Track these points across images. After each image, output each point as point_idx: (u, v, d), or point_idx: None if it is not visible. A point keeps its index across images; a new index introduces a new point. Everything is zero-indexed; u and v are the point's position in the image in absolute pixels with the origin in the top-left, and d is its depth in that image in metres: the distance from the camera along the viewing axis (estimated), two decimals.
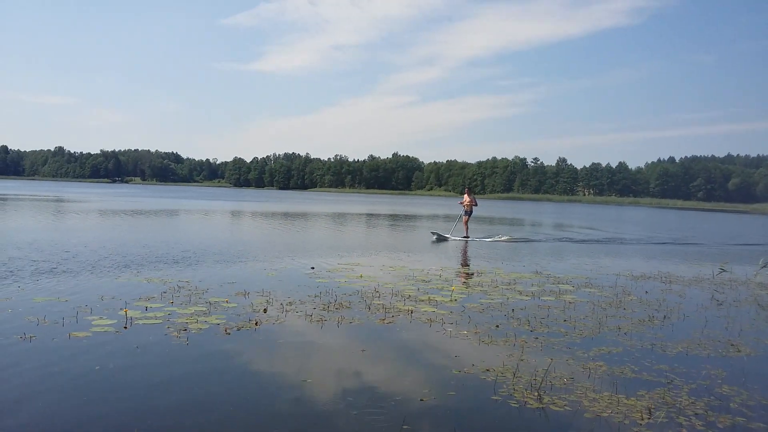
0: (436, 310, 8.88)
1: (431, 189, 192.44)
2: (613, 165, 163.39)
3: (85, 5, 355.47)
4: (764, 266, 13.38)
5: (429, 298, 9.83)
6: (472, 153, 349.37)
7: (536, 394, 5.40)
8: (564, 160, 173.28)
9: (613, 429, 4.70)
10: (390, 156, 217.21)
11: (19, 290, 9.25)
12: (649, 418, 4.91)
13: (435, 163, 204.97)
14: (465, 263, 15.36)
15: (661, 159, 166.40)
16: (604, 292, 11.15)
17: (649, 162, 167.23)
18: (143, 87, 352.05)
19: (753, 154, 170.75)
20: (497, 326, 7.97)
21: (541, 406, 5.15)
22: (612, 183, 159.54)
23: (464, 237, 22.23)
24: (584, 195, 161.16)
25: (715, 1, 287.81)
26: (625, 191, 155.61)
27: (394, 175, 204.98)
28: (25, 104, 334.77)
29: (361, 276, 11.88)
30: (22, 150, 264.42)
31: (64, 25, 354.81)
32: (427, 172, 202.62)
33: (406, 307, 8.94)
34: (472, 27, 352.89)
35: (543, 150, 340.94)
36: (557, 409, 5.09)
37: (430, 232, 23.66)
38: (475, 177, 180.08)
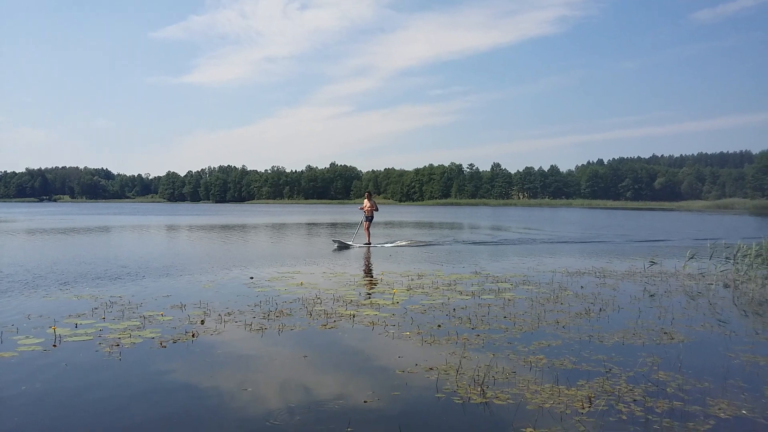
0: (378, 313, 8.84)
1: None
2: (546, 169, 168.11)
3: (7, 20, 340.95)
4: (691, 258, 13.93)
5: (371, 301, 9.78)
6: (409, 161, 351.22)
7: (479, 389, 5.42)
8: (498, 165, 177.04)
9: (556, 419, 4.75)
10: (328, 166, 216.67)
11: None
12: (589, 407, 5.00)
13: (373, 171, 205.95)
14: (396, 268, 15.41)
15: (591, 162, 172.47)
16: (541, 288, 11.36)
17: (580, 165, 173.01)
18: (70, 103, 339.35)
19: (676, 154, 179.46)
20: (439, 326, 7.99)
21: (484, 400, 5.17)
22: (545, 186, 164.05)
23: (366, 243, 21.46)
24: (519, 198, 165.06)
25: (635, 11, 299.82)
26: (557, 194, 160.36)
27: (333, 185, 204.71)
28: None
29: (301, 284, 11.73)
30: None
31: None
32: (365, 180, 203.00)
33: (348, 312, 8.86)
34: (404, 38, 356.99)
35: (478, 156, 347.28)
36: (500, 402, 5.12)
37: (331, 240, 22.71)
38: (413, 184, 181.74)
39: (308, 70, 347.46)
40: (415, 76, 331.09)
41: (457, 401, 5.16)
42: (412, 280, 12.35)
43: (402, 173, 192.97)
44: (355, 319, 8.43)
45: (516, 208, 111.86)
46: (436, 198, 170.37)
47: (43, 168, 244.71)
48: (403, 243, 22.75)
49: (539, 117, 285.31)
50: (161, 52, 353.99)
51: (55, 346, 6.91)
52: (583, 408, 4.97)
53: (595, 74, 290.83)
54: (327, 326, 7.97)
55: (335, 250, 19.95)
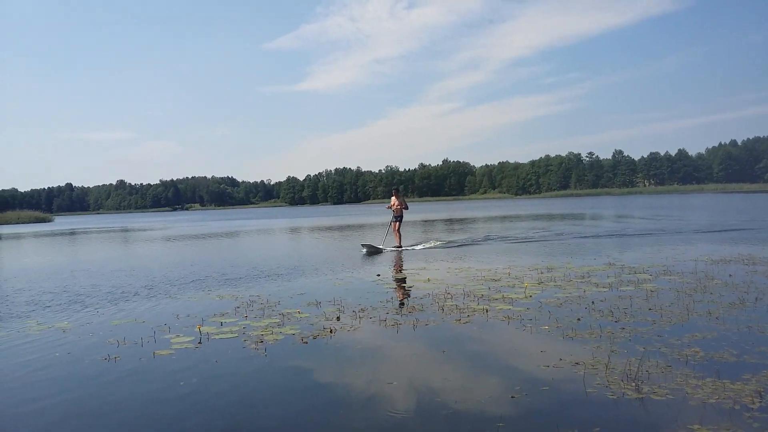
0: (511, 307, 8.63)
1: (485, 192, 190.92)
2: (672, 153, 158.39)
3: (133, 42, 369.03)
4: None
5: (502, 296, 9.57)
6: (523, 153, 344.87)
7: (633, 384, 5.12)
8: (620, 152, 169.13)
9: (724, 415, 4.39)
10: (440, 163, 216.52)
11: (98, 315, 9.46)
12: (760, 402, 4.58)
13: (487, 166, 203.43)
14: (532, 261, 15.00)
15: (723, 143, 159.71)
16: (685, 278, 10.65)
17: (710, 147, 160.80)
18: (194, 116, 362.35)
19: None
20: (579, 319, 7.66)
21: (640, 396, 4.87)
22: (673, 171, 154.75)
23: (396, 246, 18.96)
24: (645, 186, 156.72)
25: None
26: (687, 179, 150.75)
27: (446, 182, 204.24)
28: (86, 142, 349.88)
29: (428, 280, 11.71)
30: (86, 186, 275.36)
31: (116, 63, 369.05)
32: (479, 175, 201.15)
33: (481, 307, 8.72)
34: (514, 27, 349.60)
35: (598, 144, 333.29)
36: (659, 398, 4.80)
37: (360, 245, 19.26)
38: (529, 176, 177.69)
39: (417, 68, 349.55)
40: (527, 65, 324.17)
41: (610, 396, 4.90)
42: (542, 273, 11.98)
43: (517, 166, 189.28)
44: (488, 313, 8.27)
45: (642, 197, 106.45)
46: (554, 190, 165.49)
47: (174, 179, 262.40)
48: (430, 244, 20.22)
49: (662, 99, 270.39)
50: (276, 62, 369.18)
51: (200, 343, 7.27)
52: (754, 403, 4.57)
53: (719, 50, 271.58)
54: (461, 321, 7.87)
55: (365, 255, 17.46)
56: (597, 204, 70.68)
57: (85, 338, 7.80)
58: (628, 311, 8.02)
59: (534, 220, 37.72)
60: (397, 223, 19.60)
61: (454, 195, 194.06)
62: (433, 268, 13.56)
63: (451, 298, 9.51)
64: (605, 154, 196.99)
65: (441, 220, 43.69)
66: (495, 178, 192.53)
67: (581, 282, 10.65)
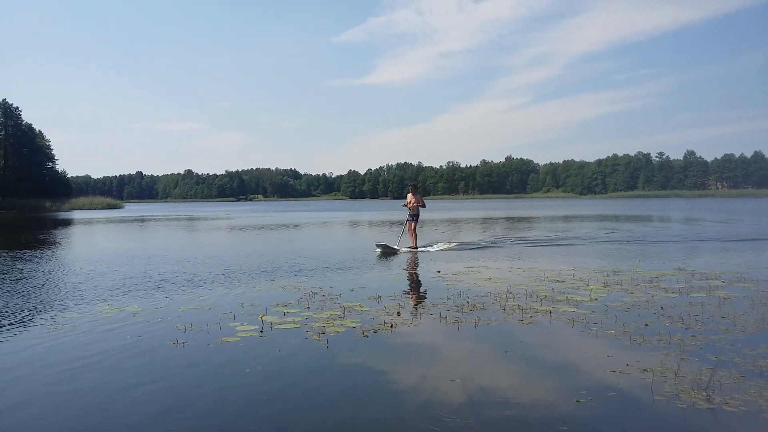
0: (576, 309, 8.45)
1: (548, 191, 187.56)
2: (748, 155, 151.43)
3: (205, 35, 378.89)
4: None
5: (566, 297, 9.39)
6: (590, 152, 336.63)
7: (704, 394, 4.94)
8: (692, 153, 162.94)
9: None
10: (503, 160, 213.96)
11: (166, 300, 9.78)
12: None
13: (551, 164, 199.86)
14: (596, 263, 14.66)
15: None
16: (760, 286, 10.20)
17: None
18: (261, 108, 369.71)
19: None
20: (647, 325, 7.43)
21: (711, 406, 4.69)
22: (747, 174, 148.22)
23: (411, 247, 17.68)
24: (717, 189, 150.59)
25: None
26: (763, 182, 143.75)
27: (508, 179, 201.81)
28: (157, 132, 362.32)
29: (489, 278, 11.60)
30: (155, 175, 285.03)
31: (187, 56, 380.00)
32: (542, 173, 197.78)
33: (544, 308, 8.58)
34: (586, 21, 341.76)
35: (668, 144, 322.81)
36: (731, 409, 4.62)
37: (375, 245, 18.03)
38: (594, 176, 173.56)
39: (484, 63, 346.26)
40: (598, 61, 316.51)
41: (679, 405, 4.74)
42: (607, 276, 11.69)
43: (582, 165, 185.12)
44: (552, 315, 8.13)
45: (714, 200, 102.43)
46: (620, 190, 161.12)
47: (239, 170, 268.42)
48: (445, 246, 18.92)
49: (739, 98, 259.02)
50: (343, 56, 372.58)
51: (262, 332, 7.41)
52: None
53: None
54: (524, 322, 7.77)
55: (379, 256, 16.35)
56: (666, 206, 68.39)
57: (154, 323, 8.06)
58: (700, 318, 7.74)
59: (599, 220, 36.81)
60: (413, 222, 18.22)
61: (516, 193, 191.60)
62: (495, 267, 13.41)
63: (514, 298, 9.40)
64: (676, 154, 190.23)
65: (499, 218, 43.19)
66: (559, 177, 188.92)
67: (649, 287, 10.34)
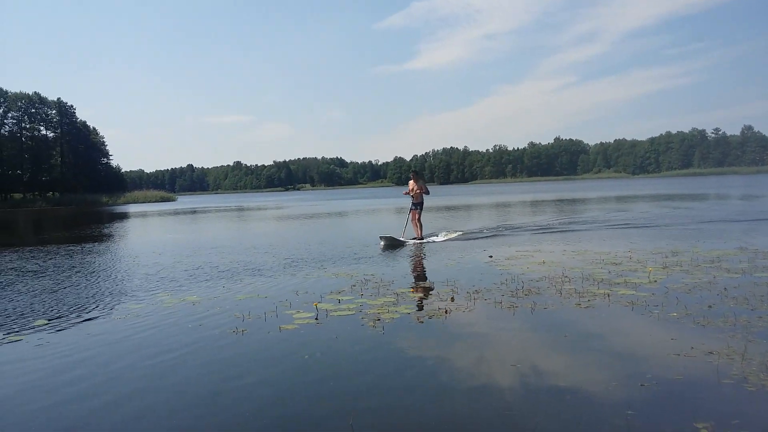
0: (635, 292, 8.26)
1: (599, 171, 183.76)
2: None
3: (251, 28, 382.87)
4: None
5: (624, 280, 9.18)
6: (642, 130, 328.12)
7: None
8: (750, 128, 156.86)
9: None
10: (551, 141, 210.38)
11: (224, 289, 9.97)
12: None
13: (601, 144, 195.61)
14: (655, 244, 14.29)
15: None
16: None
17: None
18: (306, 98, 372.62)
19: None
20: (710, 306, 7.22)
21: None
22: None
23: (416, 238, 16.37)
24: None
25: None
26: None
27: (558, 161, 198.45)
28: (207, 125, 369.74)
29: (543, 262, 11.43)
30: (206, 167, 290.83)
31: (233, 51, 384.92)
32: (593, 154, 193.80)
33: (602, 291, 8.41)
34: None
35: (724, 119, 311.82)
36: None
37: (379, 238, 16.31)
38: (647, 155, 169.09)
39: (529, 43, 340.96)
40: (648, 36, 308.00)
41: (748, 389, 4.59)
42: (666, 257, 11.38)
43: (634, 144, 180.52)
44: (610, 298, 7.97)
45: None
46: (675, 169, 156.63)
47: (287, 160, 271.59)
48: (453, 235, 17.53)
49: None
50: (385, 42, 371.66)
51: (317, 319, 7.48)
52: None
53: None
54: (581, 305, 7.63)
55: (383, 249, 14.93)
56: (723, 183, 66.16)
57: (213, 311, 8.24)
58: (766, 299, 7.46)
59: (653, 200, 35.87)
60: (417, 211, 16.91)
61: (565, 174, 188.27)
62: (548, 251, 13.23)
63: (569, 282, 9.24)
64: (733, 130, 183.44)
65: (548, 200, 42.53)
66: (610, 157, 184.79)
67: (710, 267, 10.02)
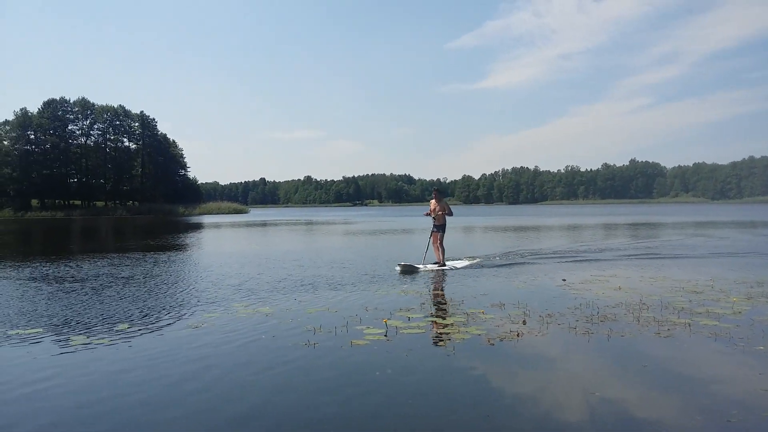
0: (718, 323, 7.90)
1: (676, 195, 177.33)
2: None
3: (323, 46, 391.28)
4: None
5: (706, 310, 8.80)
6: (722, 154, 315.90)
7: None
8: None
9: None
10: (626, 163, 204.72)
11: (297, 302, 10.13)
12: None
13: (679, 167, 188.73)
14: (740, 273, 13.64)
15: None
16: None
17: None
18: (376, 115, 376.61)
19: None
20: None
21: None
22: None
23: (437, 263, 15.09)
24: None
25: None
26: None
27: (632, 183, 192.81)
28: (279, 141, 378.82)
29: (619, 288, 11.09)
30: (277, 181, 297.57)
31: (306, 68, 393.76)
32: (670, 177, 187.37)
33: (682, 320, 8.08)
34: (717, 17, 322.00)
35: None
36: None
37: (397, 266, 14.79)
38: (728, 179, 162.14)
39: (605, 63, 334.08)
40: (730, 58, 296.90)
41: None
42: (751, 287, 10.85)
43: (714, 168, 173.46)
44: (691, 328, 7.64)
45: None
46: (758, 195, 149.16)
47: (355, 176, 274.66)
48: (467, 263, 15.84)
49: None
50: (457, 61, 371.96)
51: (386, 336, 7.48)
52: None
53: None
54: (660, 334, 7.35)
55: (401, 275, 13.73)
56: None
57: (285, 323, 8.38)
58: None
59: (735, 227, 34.28)
60: (439, 234, 15.45)
61: (640, 198, 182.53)
62: (624, 276, 12.84)
63: (647, 309, 8.93)
64: None
65: (623, 224, 41.26)
66: (688, 181, 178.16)
67: None
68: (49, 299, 10.59)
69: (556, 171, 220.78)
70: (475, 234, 33.39)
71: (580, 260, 16.37)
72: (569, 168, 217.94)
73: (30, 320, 8.71)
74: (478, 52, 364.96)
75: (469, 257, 17.23)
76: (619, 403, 5.02)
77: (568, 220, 52.00)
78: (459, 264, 15.43)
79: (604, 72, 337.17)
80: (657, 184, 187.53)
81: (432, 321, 8.31)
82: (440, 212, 15.48)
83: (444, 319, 8.44)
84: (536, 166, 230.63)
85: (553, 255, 17.78)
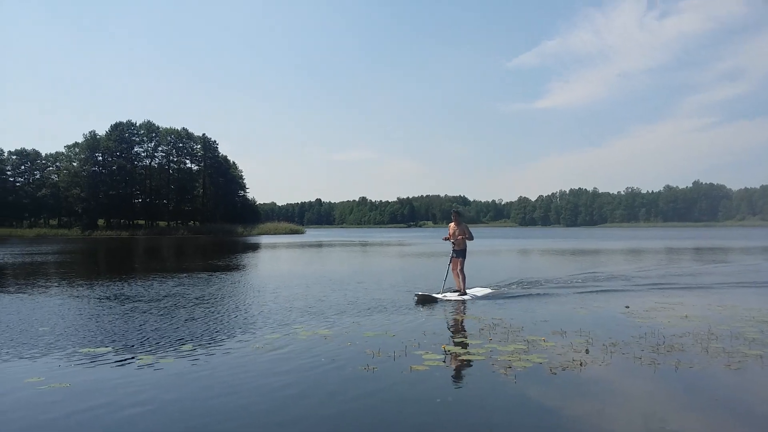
0: None
1: (743, 219, 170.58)
2: None
3: (376, 66, 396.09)
4: None
5: None
6: None
7: None
8: None
9: None
10: (690, 185, 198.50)
11: (353, 324, 10.20)
12: None
13: (746, 189, 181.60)
14: None
15: None
16: None
17: None
18: (431, 135, 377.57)
19: None
20: None
21: None
22: None
23: (457, 291, 14.02)
24: None
25: None
26: None
27: (696, 206, 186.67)
28: (335, 162, 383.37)
29: (686, 316, 10.74)
30: (333, 202, 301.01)
31: (362, 87, 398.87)
32: (736, 200, 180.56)
33: (754, 352, 7.76)
34: None
35: None
36: None
37: (414, 295, 13.71)
38: None
39: (667, 81, 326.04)
40: None
41: None
42: None
43: None
44: (763, 360, 7.33)
45: None
46: None
47: (410, 197, 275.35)
48: (485, 292, 14.63)
49: None
50: (515, 80, 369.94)
51: (445, 363, 7.45)
52: None
53: None
54: (731, 367, 7.08)
55: (418, 305, 12.66)
56: None
57: (343, 347, 8.44)
58: None
59: None
60: (460, 260, 14.35)
61: (705, 221, 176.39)
62: (690, 304, 12.42)
63: (716, 339, 8.61)
64: None
65: (687, 248, 39.92)
66: (756, 204, 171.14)
67: None
68: (122, 318, 10.99)
69: (615, 192, 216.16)
70: (531, 257, 32.92)
71: (644, 285, 15.91)
72: (629, 189, 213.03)
73: (111, 339, 9.07)
74: (536, 71, 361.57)
75: (520, 282, 16.98)
76: None
77: (630, 243, 50.67)
78: (480, 292, 14.36)
79: (666, 90, 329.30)
80: (722, 206, 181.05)
81: (491, 348, 8.23)
82: (460, 236, 14.42)
83: (504, 346, 8.34)
84: (595, 188, 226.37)
85: (612, 279, 17.33)
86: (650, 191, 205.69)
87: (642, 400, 5.96)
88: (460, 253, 14.37)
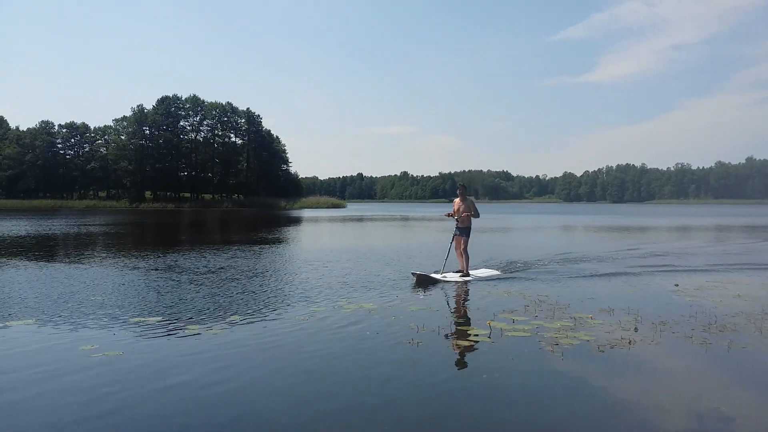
0: None
1: None
2: None
3: (418, 40, 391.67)
4: None
5: None
6: None
7: None
8: None
9: None
10: (743, 161, 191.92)
11: (398, 299, 10.25)
12: None
13: None
14: None
15: None
16: None
17: None
18: (473, 110, 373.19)
19: None
20: None
21: None
22: None
23: (459, 272, 13.17)
24: None
25: None
26: None
27: (749, 183, 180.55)
28: (376, 136, 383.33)
29: (738, 295, 10.47)
30: (374, 176, 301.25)
31: (403, 62, 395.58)
32: None
33: None
34: None
35: None
36: None
37: (411, 274, 13.06)
38: None
39: (721, 53, 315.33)
40: None
41: None
42: None
43: None
44: None
45: None
46: None
47: (452, 172, 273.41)
48: (490, 273, 13.69)
49: None
50: (559, 54, 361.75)
51: (490, 338, 7.42)
52: None
53: None
54: None
55: (415, 287, 11.77)
56: None
57: (388, 320, 8.48)
58: None
59: None
60: (462, 238, 13.31)
61: (758, 198, 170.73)
62: (743, 283, 12.10)
63: None
64: None
65: (739, 226, 38.75)
66: None
67: None
68: (180, 289, 11.29)
69: (665, 169, 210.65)
70: (575, 233, 32.46)
71: (693, 263, 15.54)
72: (679, 165, 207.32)
73: (167, 309, 9.34)
74: (583, 44, 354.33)
75: (565, 258, 16.74)
76: (743, 419, 4.76)
77: (679, 220, 49.48)
78: (482, 273, 13.48)
79: (719, 63, 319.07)
80: None
81: (537, 324, 8.18)
82: (464, 213, 13.37)
83: (550, 323, 8.28)
84: (643, 164, 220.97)
85: (661, 256, 16.97)
86: (701, 167, 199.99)
87: (693, 381, 5.87)
88: (463, 231, 13.37)
